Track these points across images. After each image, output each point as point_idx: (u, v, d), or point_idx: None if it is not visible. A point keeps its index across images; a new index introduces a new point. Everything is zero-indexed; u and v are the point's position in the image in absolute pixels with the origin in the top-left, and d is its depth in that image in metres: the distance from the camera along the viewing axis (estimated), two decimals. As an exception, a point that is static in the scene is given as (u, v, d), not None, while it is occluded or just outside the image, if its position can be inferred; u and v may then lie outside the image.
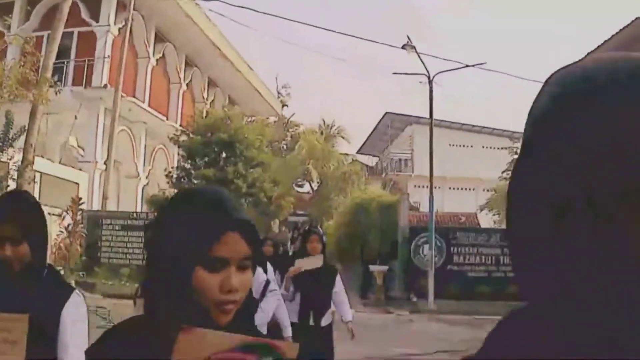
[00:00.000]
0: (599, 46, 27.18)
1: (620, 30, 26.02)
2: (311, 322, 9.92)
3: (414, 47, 30.61)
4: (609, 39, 26.70)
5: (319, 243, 10.01)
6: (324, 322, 10.02)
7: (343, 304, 10.70)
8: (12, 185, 21.71)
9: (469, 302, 25.59)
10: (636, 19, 22.20)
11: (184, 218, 2.21)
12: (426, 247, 27.69)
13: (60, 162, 30.40)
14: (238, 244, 2.17)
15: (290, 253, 28.59)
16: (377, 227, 32.04)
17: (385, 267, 29.91)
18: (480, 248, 27.84)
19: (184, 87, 43.27)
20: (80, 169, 30.74)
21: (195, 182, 31.04)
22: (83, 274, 24.21)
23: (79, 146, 33.04)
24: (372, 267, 30.30)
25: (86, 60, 33.99)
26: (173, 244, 2.13)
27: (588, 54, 27.44)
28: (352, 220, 35.78)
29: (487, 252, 27.74)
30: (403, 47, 30.95)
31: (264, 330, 8.78)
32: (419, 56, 30.78)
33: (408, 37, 30.89)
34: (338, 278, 10.45)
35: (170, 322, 1.88)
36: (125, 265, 25.56)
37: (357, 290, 31.05)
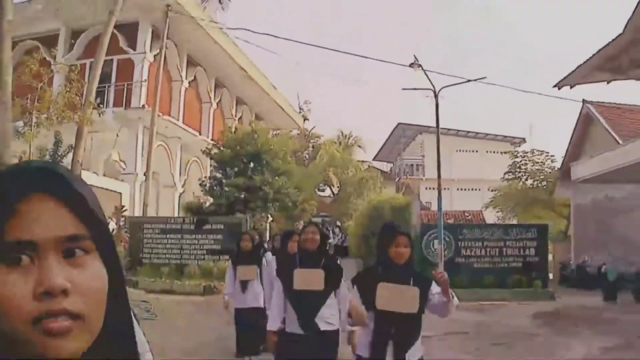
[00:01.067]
0: (595, 53, 27.23)
1: (611, 40, 26.09)
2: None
3: (420, 65, 30.65)
4: (603, 47, 26.72)
5: (407, 247, 5.95)
6: (411, 357, 5.85)
7: None
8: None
9: (476, 290, 25.46)
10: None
11: None
12: (436, 242, 27.53)
13: (104, 175, 30.66)
14: (53, 215, 1.14)
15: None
16: (392, 226, 32.07)
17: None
18: (485, 242, 27.70)
19: (215, 105, 43.44)
20: (122, 181, 30.99)
21: (227, 189, 31.23)
22: (127, 273, 24.45)
23: (121, 160, 33.29)
24: (389, 262, 30.17)
25: (125, 84, 34.27)
26: None
27: (578, 67, 27.55)
28: (369, 220, 35.81)
29: (491, 245, 27.59)
30: (411, 66, 31.00)
31: None
32: (425, 73, 30.80)
33: (415, 57, 30.93)
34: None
35: None
36: (164, 265, 25.70)
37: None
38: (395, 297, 5.92)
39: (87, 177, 25.98)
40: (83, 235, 1.13)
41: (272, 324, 7.81)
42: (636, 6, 23.25)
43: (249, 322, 11.70)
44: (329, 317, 7.61)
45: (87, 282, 1.12)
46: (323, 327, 7.56)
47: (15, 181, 1.12)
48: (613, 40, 25.46)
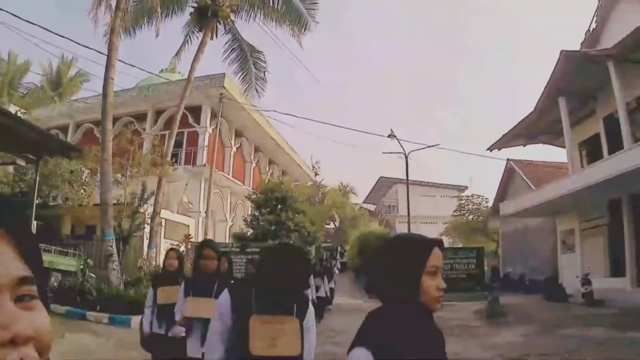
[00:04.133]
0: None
1: (525, 117, 26.26)
2: None
3: (395, 136, 30.77)
4: (519, 122, 26.89)
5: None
6: None
7: None
8: (147, 227, 21.86)
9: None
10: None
11: None
12: (407, 261, 27.44)
13: (177, 212, 30.55)
14: (5, 254, 0.78)
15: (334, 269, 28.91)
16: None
17: (382, 274, 29.91)
18: (441, 260, 27.80)
19: (254, 164, 43.47)
20: (190, 216, 30.87)
21: (262, 223, 31.01)
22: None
23: (189, 202, 33.27)
24: (374, 275, 30.32)
25: (192, 149, 34.56)
26: None
27: (503, 135, 27.46)
28: (360, 245, 35.94)
29: (445, 262, 27.38)
30: (388, 136, 31.09)
31: None
32: (398, 141, 30.92)
33: (391, 130, 31.06)
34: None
35: None
36: (218, 276, 25.48)
37: (365, 289, 31.29)
38: None
39: (166, 214, 25.95)
40: (31, 279, 0.78)
41: None
42: (541, 95, 23.53)
43: None
44: None
45: (40, 329, 0.77)
46: None
47: None
48: (526, 117, 26.05)
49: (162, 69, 36.65)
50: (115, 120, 21.47)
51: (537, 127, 27.20)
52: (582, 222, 25.85)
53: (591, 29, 25.12)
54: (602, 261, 23.59)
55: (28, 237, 0.81)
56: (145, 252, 22.06)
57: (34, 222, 20.53)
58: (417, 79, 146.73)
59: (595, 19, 24.89)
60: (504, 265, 34.73)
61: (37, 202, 20.01)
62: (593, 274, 21.87)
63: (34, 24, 20.95)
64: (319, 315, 16.80)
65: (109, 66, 17.75)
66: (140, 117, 34.73)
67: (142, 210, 20.92)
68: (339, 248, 48.75)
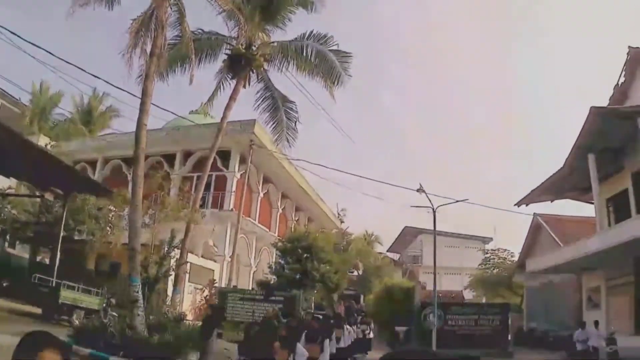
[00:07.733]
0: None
1: (554, 173, 26.26)
2: None
3: (424, 191, 30.80)
4: (548, 178, 26.85)
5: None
6: None
7: None
8: (172, 272, 22.00)
9: (458, 350, 25.29)
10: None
11: None
12: (431, 315, 27.31)
13: (202, 256, 30.70)
14: None
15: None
16: (400, 302, 31.80)
17: (405, 328, 29.62)
18: (465, 316, 27.94)
19: (280, 211, 43.79)
20: (215, 261, 31.05)
21: (287, 272, 30.86)
22: (215, 327, 24.19)
23: (214, 246, 33.41)
24: (397, 328, 30.01)
25: (220, 193, 35.00)
26: None
27: (531, 191, 27.34)
28: (384, 297, 35.30)
29: (469, 318, 27.86)
30: (417, 190, 31.12)
31: None
32: (427, 196, 30.90)
33: (420, 184, 31.05)
34: None
35: None
36: (241, 322, 25.32)
37: (386, 342, 30.69)
38: None
39: (191, 258, 26.12)
40: None
41: None
42: (570, 151, 23.54)
43: None
44: None
45: None
46: None
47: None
48: (555, 173, 26.22)
49: (192, 110, 37.52)
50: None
51: (566, 183, 27.34)
52: (608, 279, 25.81)
53: (619, 84, 25.24)
54: (628, 319, 23.41)
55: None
56: (169, 297, 22.14)
57: (58, 256, 21.00)
58: (445, 132, 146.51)
59: (623, 73, 25.03)
60: (527, 321, 34.72)
61: (63, 234, 20.40)
62: (618, 332, 21.64)
63: (67, 62, 21.49)
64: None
65: (142, 112, 17.49)
66: (168, 157, 35.64)
67: (170, 255, 21.06)
68: (362, 297, 48.35)
